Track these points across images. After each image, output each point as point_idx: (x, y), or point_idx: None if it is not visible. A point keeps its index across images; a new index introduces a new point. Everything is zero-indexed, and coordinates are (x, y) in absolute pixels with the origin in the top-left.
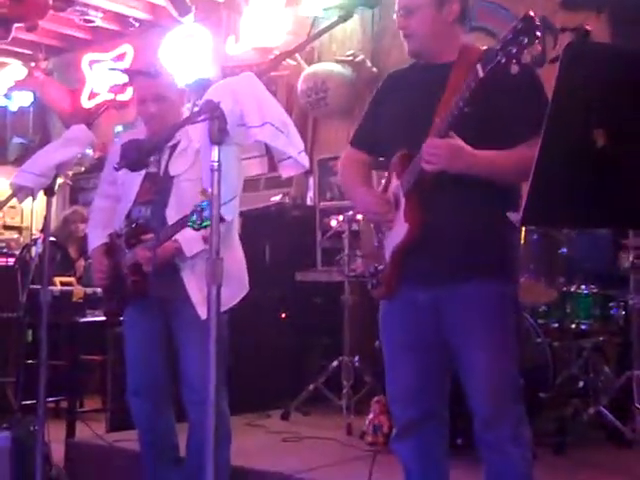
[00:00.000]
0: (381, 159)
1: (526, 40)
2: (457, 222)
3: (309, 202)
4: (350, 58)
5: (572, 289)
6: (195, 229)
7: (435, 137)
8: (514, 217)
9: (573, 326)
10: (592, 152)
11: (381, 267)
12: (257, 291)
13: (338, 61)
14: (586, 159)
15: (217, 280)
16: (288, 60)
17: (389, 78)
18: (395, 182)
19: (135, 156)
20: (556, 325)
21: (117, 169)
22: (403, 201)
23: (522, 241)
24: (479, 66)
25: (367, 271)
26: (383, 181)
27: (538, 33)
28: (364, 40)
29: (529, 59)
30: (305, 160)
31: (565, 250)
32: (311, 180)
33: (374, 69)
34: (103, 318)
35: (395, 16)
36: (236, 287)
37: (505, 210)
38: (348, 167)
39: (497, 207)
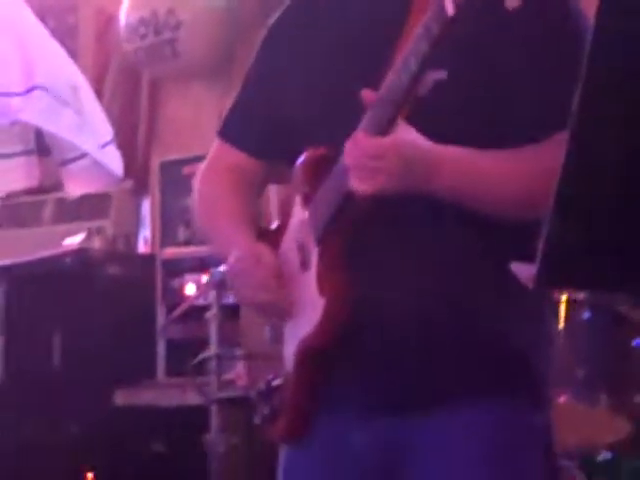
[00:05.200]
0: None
1: None
2: (422, 295)
3: (142, 247)
4: None
5: None
6: None
7: (369, 130)
8: (523, 271)
9: None
10: None
11: (278, 381)
12: (38, 427)
13: None
14: None
15: None
16: None
17: (292, 6)
18: (300, 214)
19: None
20: None
21: None
22: (315, 254)
23: (561, 324)
24: None
25: (254, 389)
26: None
27: None
28: None
29: None
30: (115, 161)
31: None
32: (146, 203)
33: None
34: None
35: None
36: None
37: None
38: (214, 184)
39: (498, 260)
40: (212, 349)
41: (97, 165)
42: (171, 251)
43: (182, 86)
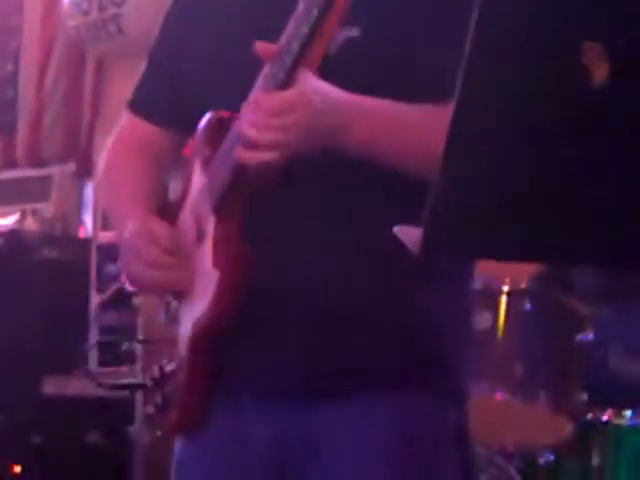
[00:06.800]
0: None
1: None
2: (325, 272)
3: (84, 231)
4: None
5: (604, 417)
6: None
7: (268, 86)
8: (409, 234)
9: None
10: (579, 98)
11: (170, 367)
12: None
13: None
14: (566, 111)
15: None
16: None
17: None
18: (199, 181)
19: None
20: None
21: None
22: (211, 224)
23: (501, 317)
24: None
25: (148, 376)
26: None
27: None
28: None
29: None
30: None
31: (590, 336)
32: (89, 188)
33: None
34: None
35: None
36: None
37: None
38: (119, 159)
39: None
40: (140, 335)
41: None
42: (108, 235)
43: (128, 64)
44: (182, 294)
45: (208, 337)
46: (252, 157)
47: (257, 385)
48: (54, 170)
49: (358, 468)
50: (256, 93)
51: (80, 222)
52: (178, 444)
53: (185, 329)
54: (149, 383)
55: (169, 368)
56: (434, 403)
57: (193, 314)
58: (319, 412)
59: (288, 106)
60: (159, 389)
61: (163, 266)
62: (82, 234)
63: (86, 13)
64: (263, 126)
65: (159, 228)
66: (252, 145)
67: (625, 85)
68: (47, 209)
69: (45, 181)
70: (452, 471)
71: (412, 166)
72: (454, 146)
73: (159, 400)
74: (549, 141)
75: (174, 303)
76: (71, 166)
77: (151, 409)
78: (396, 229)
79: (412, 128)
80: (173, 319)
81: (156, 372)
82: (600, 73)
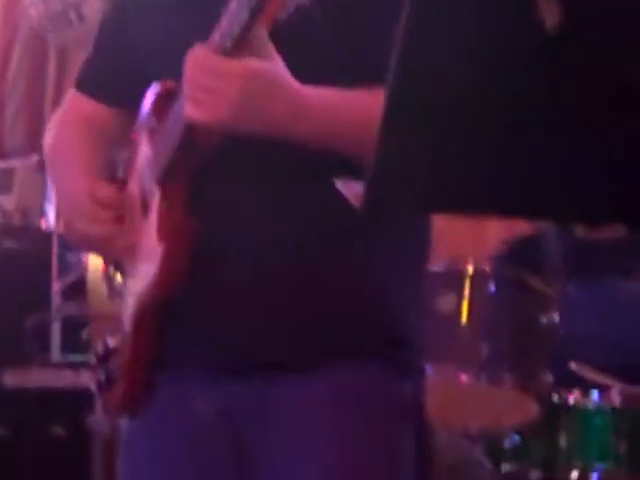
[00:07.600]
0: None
1: None
2: (268, 243)
3: (45, 223)
4: None
5: (571, 400)
6: None
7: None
8: (351, 188)
9: (574, 475)
10: (533, 44)
11: (114, 343)
12: None
13: None
14: (516, 61)
15: None
16: None
17: None
18: (145, 152)
19: None
20: (540, 474)
21: None
22: (156, 197)
23: (465, 298)
24: None
25: (92, 353)
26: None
27: None
28: None
29: None
30: None
31: (556, 318)
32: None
33: None
34: None
35: None
36: None
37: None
38: (66, 133)
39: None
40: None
41: None
42: None
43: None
44: (126, 266)
45: (152, 310)
46: (190, 111)
47: (204, 362)
48: (16, 163)
49: (309, 434)
50: (198, 47)
51: (42, 214)
52: (125, 425)
53: (129, 303)
54: (92, 360)
55: (113, 344)
56: (386, 374)
57: (137, 288)
58: (268, 384)
59: (226, 70)
60: (103, 366)
61: (102, 220)
62: (44, 225)
63: (47, 1)
64: (198, 84)
65: (102, 189)
66: (191, 98)
67: (578, 32)
68: (9, 201)
69: (7, 173)
70: (404, 443)
71: (358, 151)
72: (395, 103)
73: (102, 378)
74: (493, 91)
75: (117, 276)
76: (34, 158)
77: (94, 387)
78: (339, 183)
79: (358, 117)
80: (117, 293)
81: (100, 349)
82: (552, 18)
